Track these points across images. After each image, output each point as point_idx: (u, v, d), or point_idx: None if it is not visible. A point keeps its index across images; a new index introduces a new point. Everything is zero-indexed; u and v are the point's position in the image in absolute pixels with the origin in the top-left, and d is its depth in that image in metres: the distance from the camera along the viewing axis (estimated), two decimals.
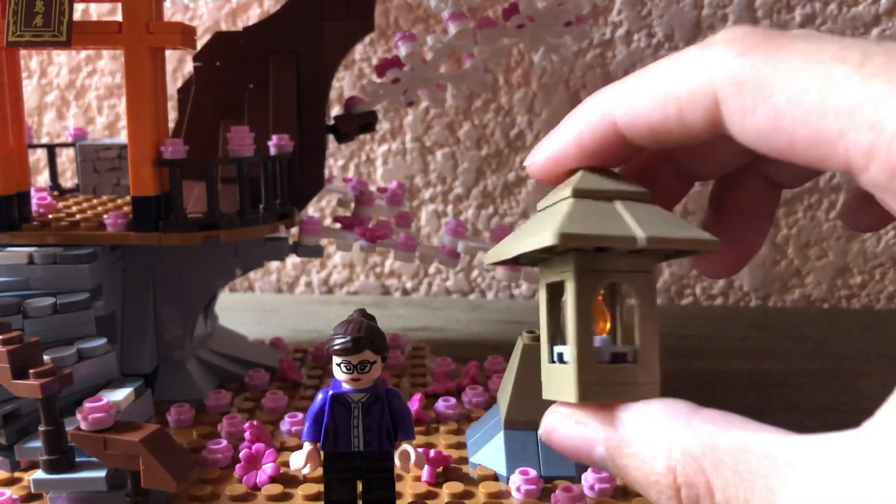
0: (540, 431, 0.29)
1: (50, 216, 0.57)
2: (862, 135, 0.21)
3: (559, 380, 0.27)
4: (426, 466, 0.45)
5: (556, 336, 0.29)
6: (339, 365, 0.38)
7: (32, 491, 0.42)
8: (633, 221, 0.26)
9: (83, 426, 0.39)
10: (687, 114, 0.25)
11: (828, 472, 0.21)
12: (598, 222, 0.26)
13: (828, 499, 0.21)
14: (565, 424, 0.28)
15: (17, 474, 0.46)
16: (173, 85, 0.85)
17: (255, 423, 0.50)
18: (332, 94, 0.79)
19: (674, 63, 0.26)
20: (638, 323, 0.28)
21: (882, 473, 0.20)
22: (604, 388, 0.26)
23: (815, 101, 0.22)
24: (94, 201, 0.63)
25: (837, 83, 0.22)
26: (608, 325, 0.29)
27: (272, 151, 0.55)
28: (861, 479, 0.20)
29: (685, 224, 0.27)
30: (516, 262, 0.30)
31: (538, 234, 0.26)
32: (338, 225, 0.63)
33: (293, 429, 0.51)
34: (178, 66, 0.94)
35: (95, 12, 0.92)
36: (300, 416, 0.52)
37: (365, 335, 0.38)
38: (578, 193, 0.27)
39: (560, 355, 0.28)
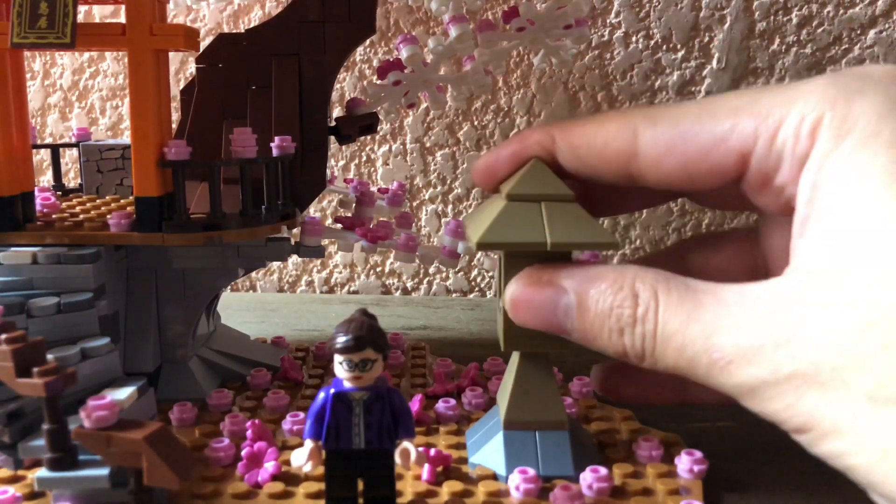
0: (505, 300, 0.37)
1: (53, 216, 0.57)
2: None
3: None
4: (426, 465, 0.46)
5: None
6: (340, 363, 0.39)
7: (36, 489, 0.42)
8: (547, 225, 0.36)
9: (86, 424, 0.39)
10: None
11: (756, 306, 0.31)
12: (517, 229, 0.37)
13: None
14: (531, 287, 0.37)
15: (20, 472, 0.47)
16: (176, 86, 0.85)
17: (256, 421, 0.50)
18: (334, 96, 0.79)
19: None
20: None
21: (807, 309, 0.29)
22: None
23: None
24: (98, 201, 0.63)
25: None
26: None
27: (274, 153, 0.55)
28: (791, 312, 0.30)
29: (594, 225, 0.37)
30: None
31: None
32: (339, 225, 0.63)
33: (295, 427, 0.52)
34: (181, 68, 0.94)
35: (98, 14, 0.92)
36: (302, 414, 0.52)
37: (366, 334, 0.38)
38: (512, 198, 0.37)
39: None
